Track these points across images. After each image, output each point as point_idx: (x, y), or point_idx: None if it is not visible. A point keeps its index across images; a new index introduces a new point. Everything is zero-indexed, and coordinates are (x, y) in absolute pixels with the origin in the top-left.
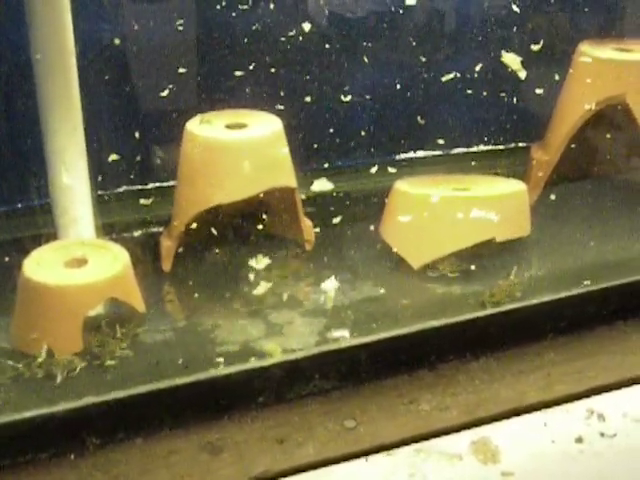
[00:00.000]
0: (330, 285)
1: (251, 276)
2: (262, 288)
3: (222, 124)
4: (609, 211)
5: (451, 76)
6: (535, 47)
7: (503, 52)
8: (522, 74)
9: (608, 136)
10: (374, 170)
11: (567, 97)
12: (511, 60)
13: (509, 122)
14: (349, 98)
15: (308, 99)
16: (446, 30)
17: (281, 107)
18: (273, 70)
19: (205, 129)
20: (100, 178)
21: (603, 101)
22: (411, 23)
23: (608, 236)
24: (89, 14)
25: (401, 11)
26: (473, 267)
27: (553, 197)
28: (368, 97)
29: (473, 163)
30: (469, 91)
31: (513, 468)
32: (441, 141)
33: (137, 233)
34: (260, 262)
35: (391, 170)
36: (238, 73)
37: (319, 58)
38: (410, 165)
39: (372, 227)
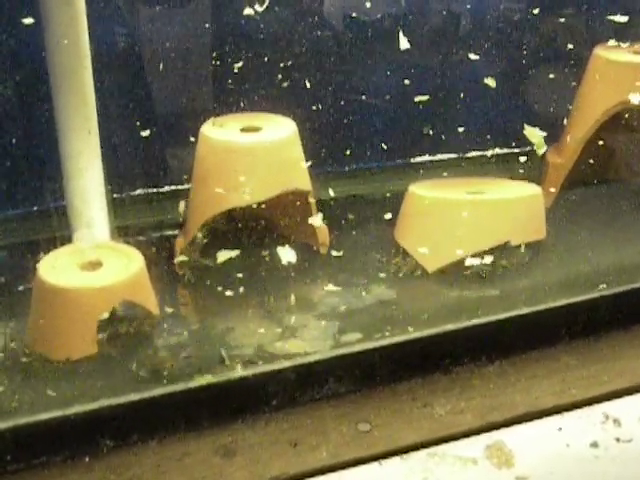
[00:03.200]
0: (287, 254)
1: (265, 279)
2: (276, 291)
3: (237, 127)
4: (625, 214)
5: (425, 98)
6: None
7: (525, 125)
8: (541, 150)
9: (624, 139)
10: (389, 173)
11: (583, 100)
12: (532, 134)
13: (524, 125)
14: (364, 101)
15: (322, 102)
16: (461, 33)
17: (295, 110)
18: (287, 73)
19: (220, 132)
20: (115, 181)
21: (619, 104)
22: (426, 26)
23: (624, 239)
24: (104, 18)
25: (416, 14)
26: (488, 270)
27: (569, 200)
28: (383, 100)
29: (488, 166)
30: (484, 94)
31: (527, 472)
32: (456, 144)
33: (152, 236)
34: (273, 265)
35: (406, 173)
36: (252, 76)
37: (334, 61)
38: (425, 168)
39: (387, 230)
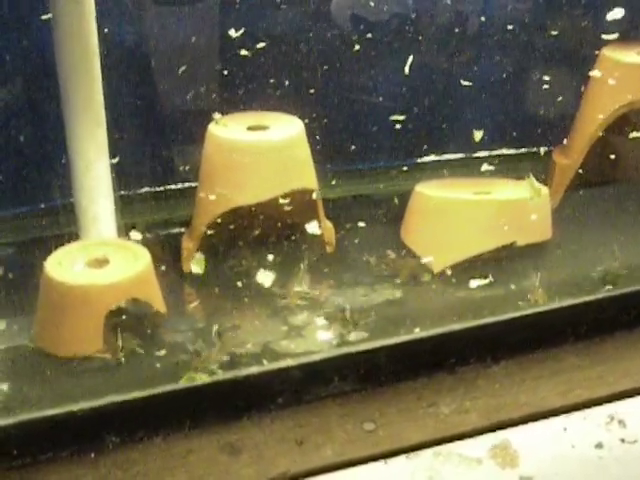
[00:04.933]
0: (265, 278)
1: (271, 278)
2: (282, 290)
3: (244, 126)
4: (631, 215)
5: (401, 118)
6: None
7: (530, 175)
8: (532, 205)
9: (631, 140)
10: (395, 173)
11: (590, 101)
12: (532, 185)
13: (531, 126)
14: (370, 101)
15: (330, 101)
16: (469, 34)
17: (303, 109)
18: (295, 72)
19: (227, 131)
20: (122, 178)
21: (626, 105)
22: (434, 26)
23: (630, 240)
24: (113, 15)
25: (424, 14)
26: (493, 271)
27: (575, 201)
28: (389, 100)
29: (495, 167)
30: (491, 94)
31: (532, 473)
32: (463, 144)
33: (158, 233)
34: (280, 264)
35: (412, 173)
36: (260, 75)
37: (341, 61)
38: (431, 168)
39: (393, 230)
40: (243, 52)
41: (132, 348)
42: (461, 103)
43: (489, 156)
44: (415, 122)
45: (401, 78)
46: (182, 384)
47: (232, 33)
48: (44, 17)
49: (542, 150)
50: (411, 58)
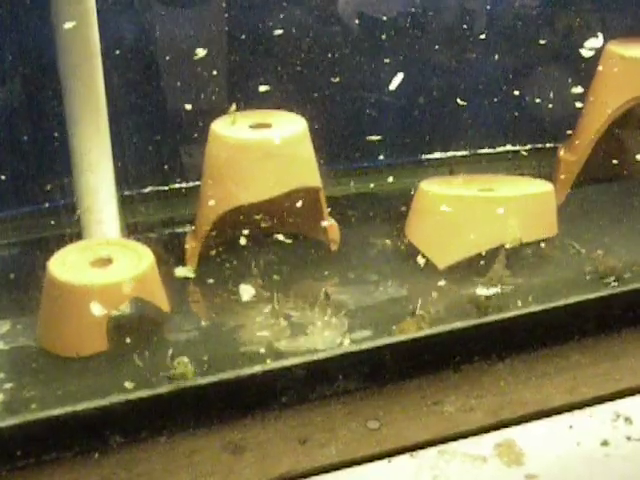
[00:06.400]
0: (247, 291)
1: (275, 276)
2: (286, 288)
3: (247, 124)
4: (637, 211)
5: (377, 138)
6: None
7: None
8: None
9: (636, 136)
10: (399, 170)
11: (595, 96)
12: (513, 233)
13: (536, 122)
14: (374, 98)
15: (333, 99)
16: (473, 31)
17: (306, 107)
18: (298, 70)
19: (230, 129)
20: (125, 178)
21: (631, 100)
22: (437, 24)
23: (636, 237)
24: (115, 15)
25: (427, 12)
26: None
27: (580, 197)
28: (393, 97)
29: (499, 163)
30: (495, 91)
31: (538, 471)
32: (467, 141)
33: (162, 233)
34: (283, 262)
35: (417, 170)
36: (263, 73)
37: (344, 58)
38: (436, 165)
39: (397, 227)
40: (245, 50)
41: (135, 347)
42: (466, 100)
43: (494, 153)
44: (419, 119)
45: (404, 75)
46: (185, 383)
47: (200, 51)
48: (66, 26)
49: (548, 147)
50: (401, 76)
